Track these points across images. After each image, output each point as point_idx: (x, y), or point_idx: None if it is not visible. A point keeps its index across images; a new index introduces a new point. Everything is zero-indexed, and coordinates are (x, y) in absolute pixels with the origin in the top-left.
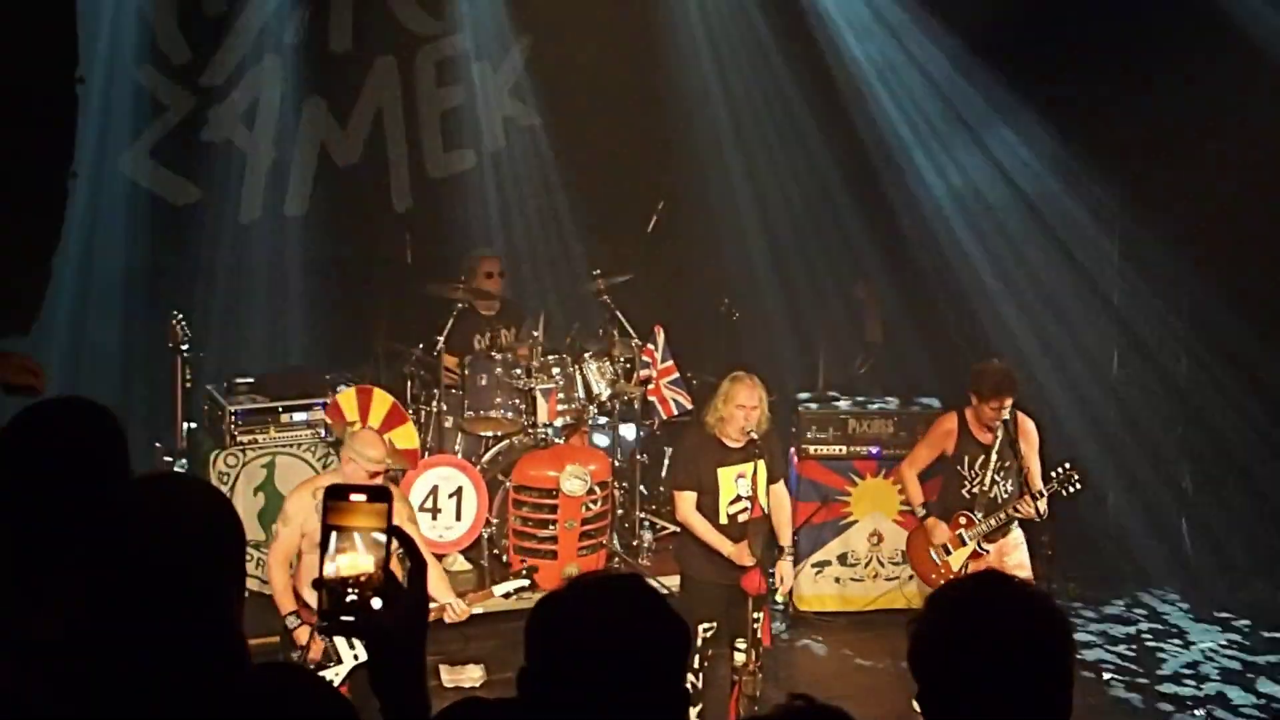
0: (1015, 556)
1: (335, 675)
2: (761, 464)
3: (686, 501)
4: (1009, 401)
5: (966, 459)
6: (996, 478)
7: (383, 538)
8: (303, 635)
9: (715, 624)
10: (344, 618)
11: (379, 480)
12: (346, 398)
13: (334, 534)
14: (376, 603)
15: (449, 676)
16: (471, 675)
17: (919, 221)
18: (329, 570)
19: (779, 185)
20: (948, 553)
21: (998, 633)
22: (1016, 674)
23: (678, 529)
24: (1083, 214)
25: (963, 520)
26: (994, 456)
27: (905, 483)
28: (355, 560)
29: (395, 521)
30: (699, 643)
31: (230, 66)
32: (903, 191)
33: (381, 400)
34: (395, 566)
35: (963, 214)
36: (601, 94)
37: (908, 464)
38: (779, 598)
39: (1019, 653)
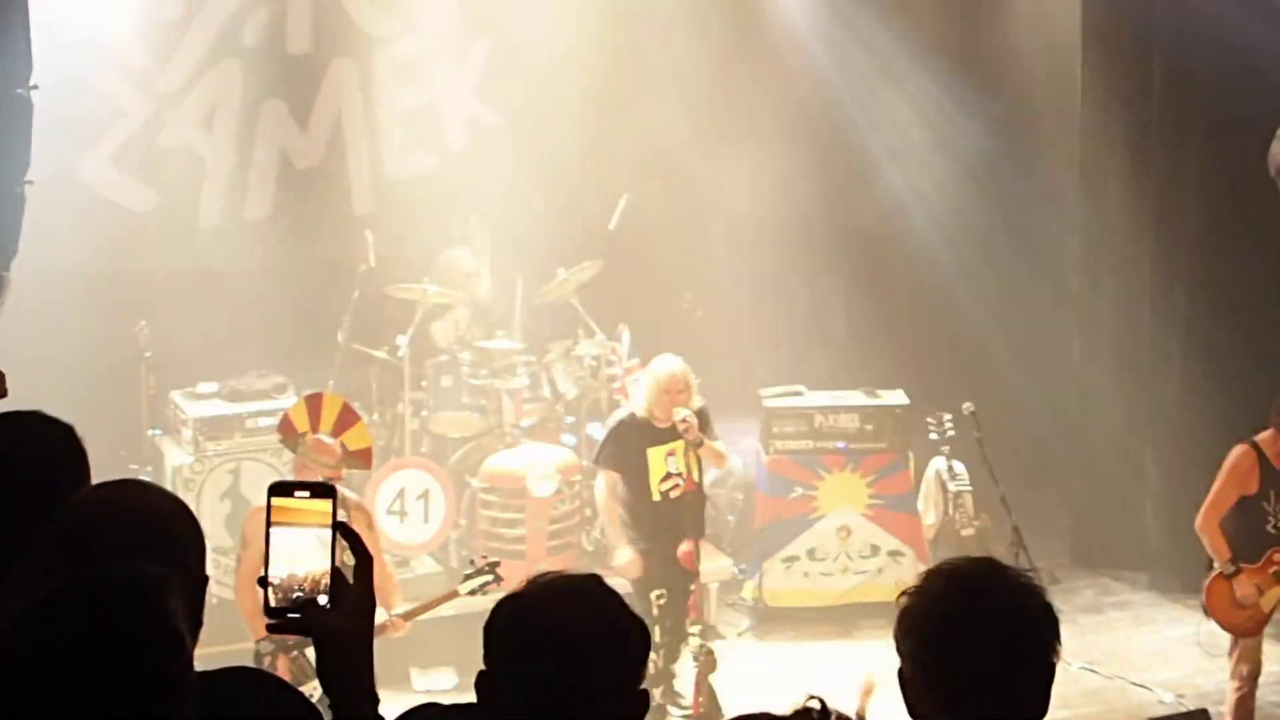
0: None
1: (313, 689)
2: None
3: (606, 480)
4: None
5: (1272, 493)
6: None
7: (328, 534)
8: (279, 665)
9: (665, 591)
10: (290, 615)
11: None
12: (296, 409)
13: (279, 531)
14: (323, 600)
15: (420, 679)
16: (443, 678)
17: (882, 214)
18: (274, 568)
19: (742, 180)
20: (1260, 593)
21: (990, 615)
22: (1002, 659)
23: None
24: (1042, 204)
25: (1277, 557)
26: None
27: (1209, 536)
28: (301, 558)
29: (355, 530)
30: (655, 612)
31: (188, 70)
32: (865, 185)
33: (332, 403)
34: (341, 563)
35: (924, 207)
36: (564, 92)
37: (1211, 512)
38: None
39: (1008, 638)
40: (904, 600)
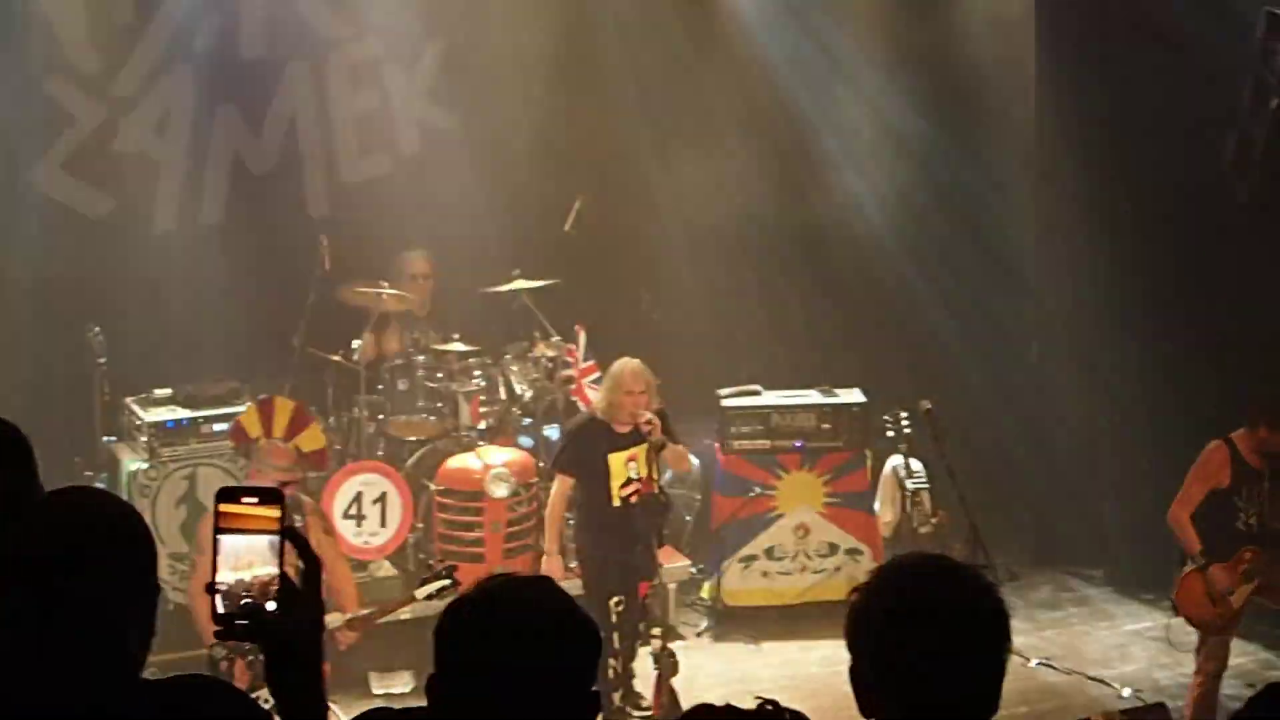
0: None
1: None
2: (645, 446)
3: (559, 485)
4: None
5: (1244, 490)
6: (1268, 504)
7: (276, 540)
8: (236, 670)
9: (624, 598)
10: (239, 622)
11: (291, 489)
12: (248, 415)
13: (226, 538)
14: (271, 606)
15: (378, 684)
16: (401, 682)
17: (838, 213)
18: (222, 574)
19: (697, 180)
20: (1230, 592)
21: (940, 611)
22: (952, 655)
23: None
24: (998, 201)
25: (1247, 555)
26: (1266, 484)
27: (1181, 529)
28: (249, 563)
29: (311, 537)
30: (613, 619)
31: (141, 75)
32: (821, 184)
33: (283, 407)
34: (290, 569)
35: (880, 205)
36: (518, 94)
37: (1181, 506)
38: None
39: (959, 635)
40: (855, 597)
